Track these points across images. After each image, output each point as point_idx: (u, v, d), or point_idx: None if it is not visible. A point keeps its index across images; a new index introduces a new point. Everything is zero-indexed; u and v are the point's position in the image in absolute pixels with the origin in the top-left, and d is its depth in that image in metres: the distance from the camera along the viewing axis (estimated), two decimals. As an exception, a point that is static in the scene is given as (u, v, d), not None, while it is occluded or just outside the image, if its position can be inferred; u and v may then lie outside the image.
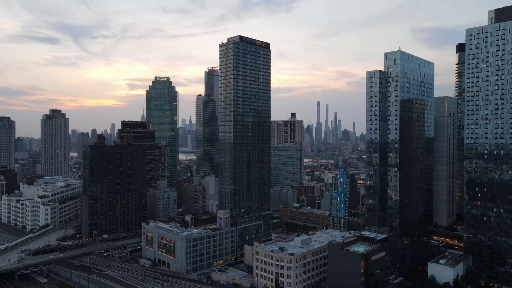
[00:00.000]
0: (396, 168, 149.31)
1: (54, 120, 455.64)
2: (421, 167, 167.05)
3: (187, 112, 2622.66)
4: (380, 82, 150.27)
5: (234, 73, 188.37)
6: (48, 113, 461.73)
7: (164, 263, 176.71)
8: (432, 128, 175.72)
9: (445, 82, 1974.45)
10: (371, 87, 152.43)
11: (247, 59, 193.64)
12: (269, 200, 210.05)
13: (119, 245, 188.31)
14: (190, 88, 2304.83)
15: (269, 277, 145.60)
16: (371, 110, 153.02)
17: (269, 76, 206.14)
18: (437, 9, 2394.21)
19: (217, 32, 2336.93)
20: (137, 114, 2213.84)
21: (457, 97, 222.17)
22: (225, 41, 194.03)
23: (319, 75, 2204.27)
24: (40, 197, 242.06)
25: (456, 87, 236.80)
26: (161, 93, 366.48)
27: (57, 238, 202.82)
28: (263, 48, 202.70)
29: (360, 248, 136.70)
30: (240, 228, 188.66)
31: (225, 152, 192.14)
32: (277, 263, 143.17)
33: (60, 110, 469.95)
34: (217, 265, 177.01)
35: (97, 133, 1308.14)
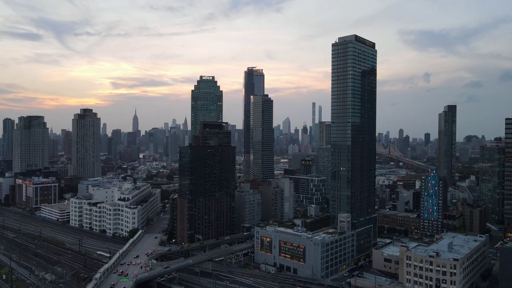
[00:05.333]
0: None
1: (86, 119, 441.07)
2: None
3: (176, 112, 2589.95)
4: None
5: (351, 73, 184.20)
6: (79, 112, 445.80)
7: (289, 268, 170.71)
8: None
9: (433, 84, 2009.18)
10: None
11: (360, 59, 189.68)
12: (374, 203, 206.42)
13: (235, 250, 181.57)
14: (175, 88, 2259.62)
15: (426, 283, 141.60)
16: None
17: (375, 76, 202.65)
18: (424, 12, 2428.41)
19: (205, 31, 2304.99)
20: (123, 113, 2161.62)
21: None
22: (337, 40, 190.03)
23: (306, 75, 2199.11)
24: (121, 200, 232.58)
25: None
26: (207, 92, 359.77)
27: (159, 243, 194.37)
28: (371, 48, 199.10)
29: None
30: (358, 231, 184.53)
31: (340, 154, 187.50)
32: (438, 268, 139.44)
33: (91, 110, 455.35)
34: (342, 270, 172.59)
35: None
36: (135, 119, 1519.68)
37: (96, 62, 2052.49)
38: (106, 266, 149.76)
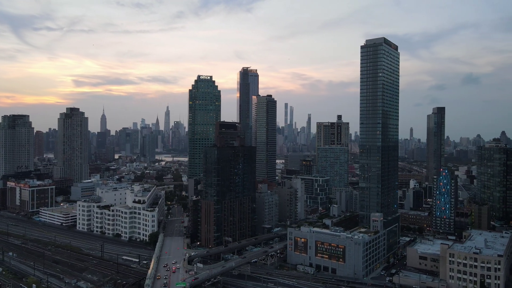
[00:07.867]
0: None
1: (73, 119, 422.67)
2: None
3: (144, 112, 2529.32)
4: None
5: (381, 75, 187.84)
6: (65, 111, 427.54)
7: (327, 268, 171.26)
8: None
9: (402, 86, 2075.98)
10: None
11: (388, 61, 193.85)
12: (397, 201, 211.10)
13: (271, 251, 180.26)
14: (141, 87, 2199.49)
15: (470, 279, 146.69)
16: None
17: (398, 77, 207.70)
18: (389, 17, 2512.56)
19: (174, 30, 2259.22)
20: (87, 112, 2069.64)
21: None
22: (362, 42, 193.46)
23: (274, 76, 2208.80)
24: (136, 202, 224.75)
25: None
26: (206, 92, 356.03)
27: (188, 247, 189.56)
28: (395, 51, 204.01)
29: None
30: (388, 230, 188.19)
31: (369, 154, 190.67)
32: (483, 264, 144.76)
33: (78, 109, 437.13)
34: (377, 268, 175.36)
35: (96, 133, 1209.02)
36: (103, 118, 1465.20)
37: (57, 59, 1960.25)
38: (150, 271, 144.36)
